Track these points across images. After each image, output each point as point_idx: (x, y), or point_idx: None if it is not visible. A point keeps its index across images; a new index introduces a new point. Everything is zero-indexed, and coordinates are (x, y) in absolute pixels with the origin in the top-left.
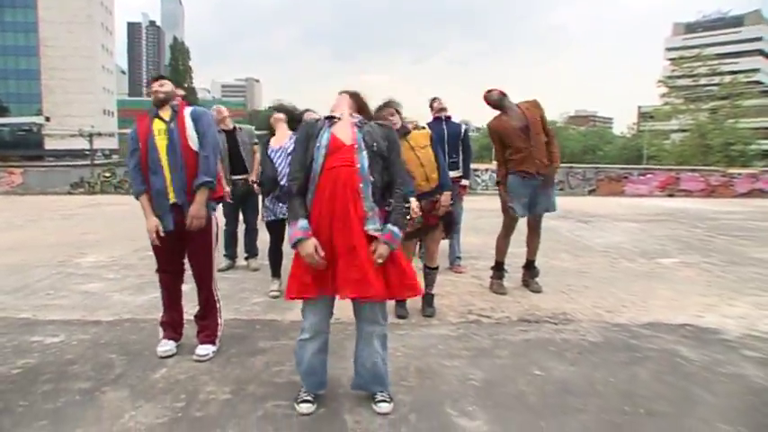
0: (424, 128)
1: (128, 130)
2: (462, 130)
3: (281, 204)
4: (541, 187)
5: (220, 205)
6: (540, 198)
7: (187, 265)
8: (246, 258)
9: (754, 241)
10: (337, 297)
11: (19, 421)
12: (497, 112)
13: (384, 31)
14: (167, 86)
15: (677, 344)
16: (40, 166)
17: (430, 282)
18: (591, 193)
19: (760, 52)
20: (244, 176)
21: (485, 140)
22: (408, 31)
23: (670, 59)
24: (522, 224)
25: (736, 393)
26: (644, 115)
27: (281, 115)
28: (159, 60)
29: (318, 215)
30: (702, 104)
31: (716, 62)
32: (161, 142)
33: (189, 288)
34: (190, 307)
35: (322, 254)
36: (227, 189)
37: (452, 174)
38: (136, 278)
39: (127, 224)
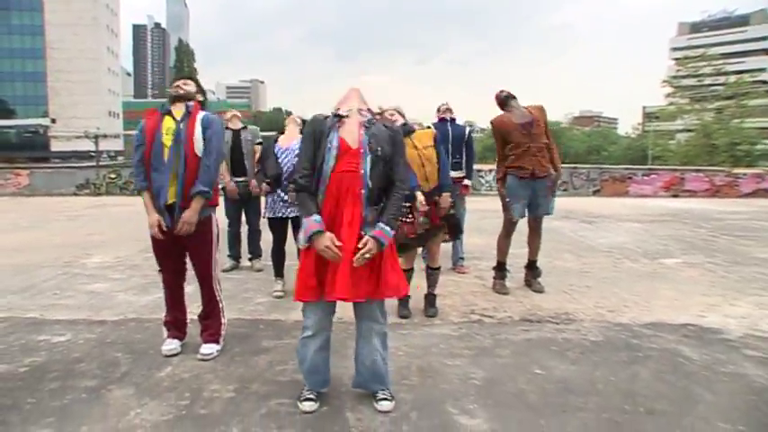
0: (429, 127)
1: (133, 132)
2: (466, 132)
3: (282, 203)
4: (542, 191)
5: (222, 206)
6: (539, 200)
7: (189, 265)
8: (250, 259)
9: (759, 241)
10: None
11: (27, 418)
12: (501, 112)
13: (386, 31)
14: (191, 86)
15: (679, 343)
16: (46, 167)
17: (432, 282)
18: (595, 193)
19: (766, 51)
20: (244, 179)
21: (489, 141)
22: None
23: (675, 59)
24: (523, 225)
25: (736, 392)
26: (649, 115)
27: (298, 118)
28: (164, 62)
29: (325, 218)
30: (708, 104)
31: (721, 62)
32: (167, 141)
33: (192, 288)
34: (194, 307)
35: (338, 243)
36: (232, 185)
37: (455, 174)
38: (141, 278)
39: (132, 225)
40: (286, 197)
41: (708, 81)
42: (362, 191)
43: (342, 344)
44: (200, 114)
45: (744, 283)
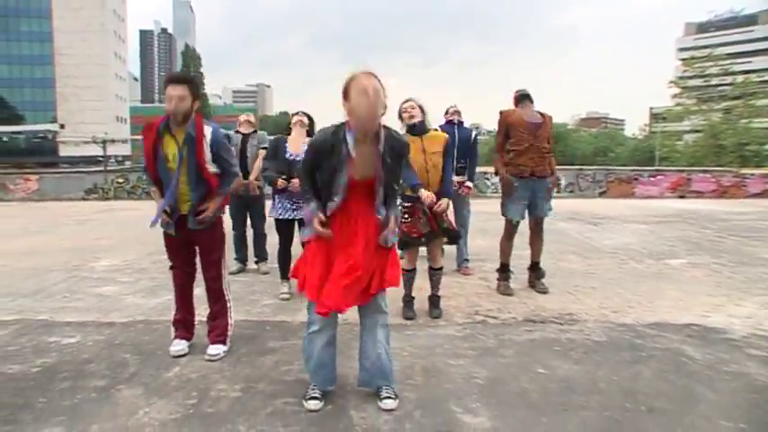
0: (443, 131)
1: (140, 137)
2: (472, 136)
3: (289, 205)
4: (541, 192)
5: (227, 208)
6: (538, 201)
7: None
8: (256, 262)
9: (765, 242)
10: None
11: (39, 416)
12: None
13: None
14: (186, 102)
15: (682, 343)
16: (54, 172)
17: (435, 283)
18: (601, 195)
19: None
20: (245, 182)
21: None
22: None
23: (682, 60)
24: (525, 227)
25: (738, 391)
26: (656, 116)
27: (306, 119)
28: (171, 67)
29: (336, 227)
30: (715, 105)
31: (728, 62)
32: (173, 165)
33: (201, 291)
34: (202, 309)
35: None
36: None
37: (458, 178)
38: (148, 281)
39: (140, 229)
40: (294, 199)
41: (715, 81)
42: (376, 201)
43: (347, 345)
44: (207, 135)
45: (749, 284)
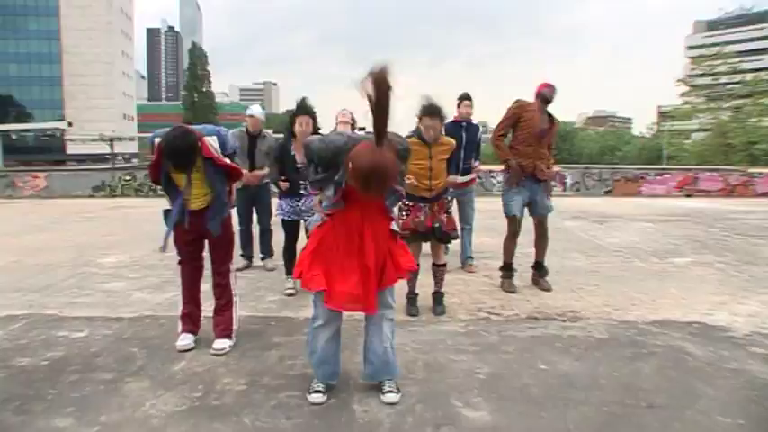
0: (448, 132)
1: (148, 135)
2: (479, 135)
3: (297, 207)
4: (540, 192)
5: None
6: (538, 198)
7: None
8: (262, 259)
9: None
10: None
11: (49, 407)
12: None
13: (397, 32)
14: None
15: (683, 341)
16: (62, 170)
17: (438, 279)
18: (607, 193)
19: None
20: (257, 173)
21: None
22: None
23: (691, 58)
24: (529, 225)
25: (738, 388)
26: (664, 115)
27: (310, 120)
28: (178, 65)
29: (345, 230)
30: (723, 103)
31: (737, 60)
32: (179, 183)
33: (208, 286)
34: (208, 304)
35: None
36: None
37: (464, 178)
38: (156, 277)
39: (147, 226)
40: (301, 205)
41: (724, 79)
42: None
43: (352, 340)
44: (215, 145)
45: (754, 282)
